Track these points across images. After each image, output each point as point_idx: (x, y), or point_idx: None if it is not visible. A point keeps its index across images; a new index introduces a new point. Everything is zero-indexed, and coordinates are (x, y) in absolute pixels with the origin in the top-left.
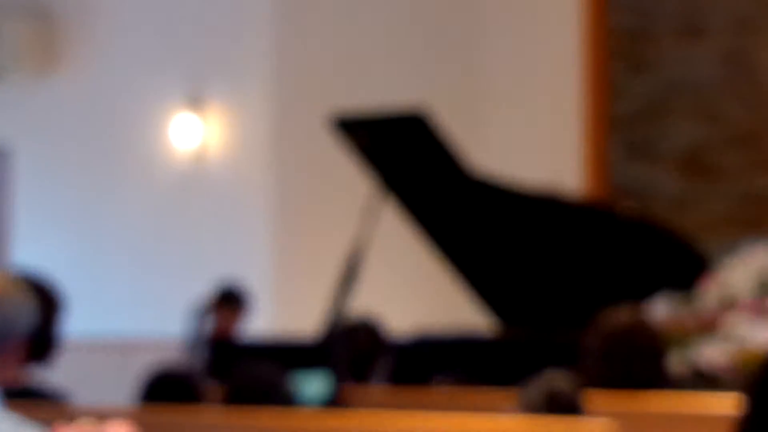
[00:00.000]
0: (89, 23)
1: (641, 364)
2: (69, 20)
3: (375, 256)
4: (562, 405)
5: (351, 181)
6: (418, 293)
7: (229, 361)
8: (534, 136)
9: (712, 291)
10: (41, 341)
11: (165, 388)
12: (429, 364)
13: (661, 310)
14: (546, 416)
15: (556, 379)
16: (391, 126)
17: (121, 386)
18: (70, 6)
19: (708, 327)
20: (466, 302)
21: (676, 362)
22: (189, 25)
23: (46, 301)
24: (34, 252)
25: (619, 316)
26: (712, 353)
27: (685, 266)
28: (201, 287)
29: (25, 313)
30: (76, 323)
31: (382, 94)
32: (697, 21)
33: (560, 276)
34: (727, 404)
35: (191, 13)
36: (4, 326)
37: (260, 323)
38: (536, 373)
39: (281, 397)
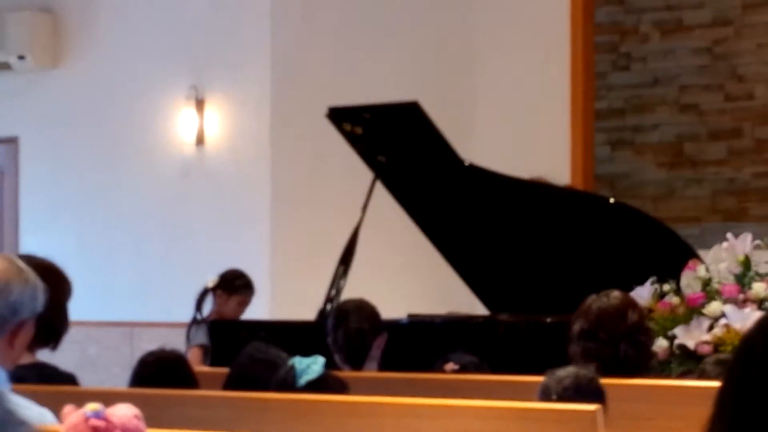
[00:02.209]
0: (94, 16)
1: (628, 346)
2: (74, 13)
3: (369, 243)
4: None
5: (347, 170)
6: (410, 282)
7: (226, 344)
8: (521, 129)
9: (696, 277)
10: (48, 326)
11: (157, 371)
12: (424, 347)
13: (646, 294)
14: (543, 404)
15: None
16: (386, 115)
17: (125, 372)
18: (76, 0)
19: (693, 311)
20: (458, 290)
21: (661, 345)
22: (191, 19)
23: (53, 285)
24: (41, 240)
25: (606, 299)
26: (696, 335)
27: (670, 253)
28: (203, 273)
29: (31, 296)
30: (82, 310)
31: (375, 88)
32: (681, 15)
33: (548, 262)
34: (710, 386)
35: (193, 7)
36: (9, 309)
37: (259, 307)
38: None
39: (278, 381)
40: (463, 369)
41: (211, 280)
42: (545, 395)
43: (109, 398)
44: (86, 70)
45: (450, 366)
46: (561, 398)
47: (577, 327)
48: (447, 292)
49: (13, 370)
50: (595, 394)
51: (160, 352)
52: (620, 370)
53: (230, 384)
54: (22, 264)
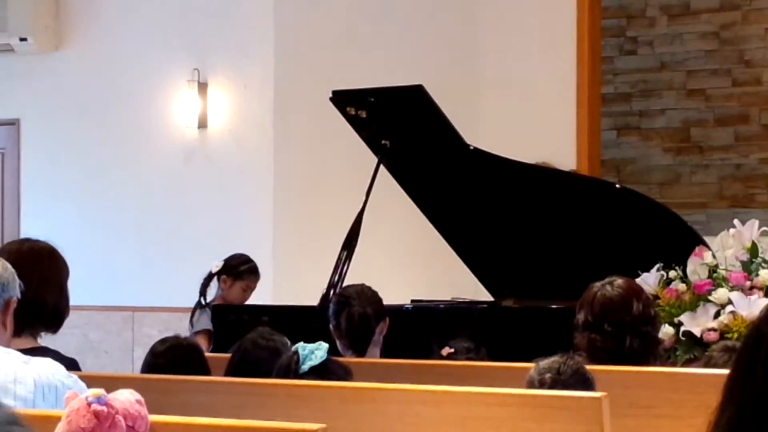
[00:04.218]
0: (96, 0)
1: (633, 337)
2: None
3: (372, 229)
4: (573, 383)
5: (351, 154)
6: (414, 267)
7: (230, 329)
8: (527, 114)
9: (703, 264)
10: (51, 309)
11: (173, 359)
12: (427, 333)
13: (652, 281)
14: (547, 390)
15: (569, 358)
16: (390, 98)
17: (127, 357)
18: None
19: (699, 298)
20: (461, 276)
21: (668, 332)
22: (194, 1)
23: (54, 268)
24: (42, 224)
25: (610, 288)
26: (703, 322)
27: (676, 240)
28: (205, 259)
29: (12, 274)
30: (83, 294)
31: (379, 72)
32: (687, 0)
33: (553, 248)
34: (716, 373)
35: None
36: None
37: (262, 293)
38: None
39: (281, 367)
40: (458, 353)
41: (215, 265)
42: (529, 387)
43: (111, 383)
44: (88, 53)
45: (446, 350)
46: (542, 385)
47: (581, 317)
48: (450, 277)
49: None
50: (582, 385)
51: (174, 339)
52: (627, 361)
53: (233, 370)
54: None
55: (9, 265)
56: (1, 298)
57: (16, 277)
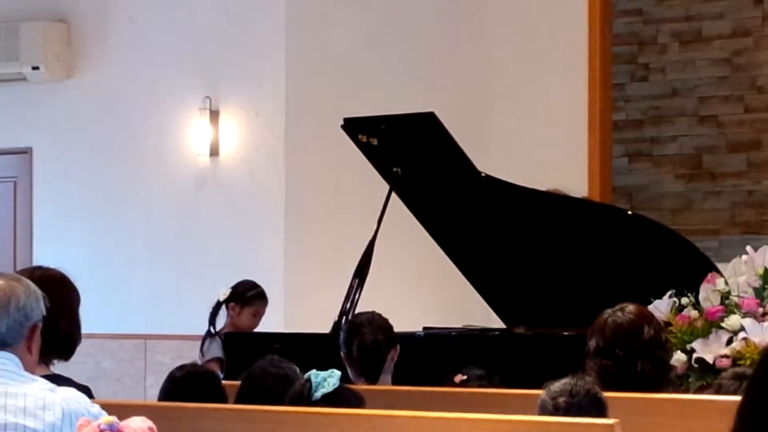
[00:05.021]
0: (108, 27)
1: (645, 362)
2: (88, 23)
3: (384, 256)
4: (586, 405)
5: (363, 182)
6: (425, 295)
7: (241, 356)
8: (538, 140)
9: (715, 290)
10: (63, 336)
11: (190, 386)
12: (439, 360)
13: (664, 308)
14: (558, 417)
15: (580, 379)
16: (401, 125)
17: (139, 385)
18: (89, 10)
19: (711, 324)
20: (473, 303)
21: (680, 358)
22: (205, 30)
23: (65, 296)
24: (54, 251)
25: (621, 314)
26: (715, 349)
27: (688, 266)
28: (216, 286)
29: (36, 299)
30: (95, 322)
31: (391, 99)
32: (700, 26)
33: (565, 275)
34: (727, 400)
35: (208, 18)
36: (22, 314)
37: (273, 320)
38: (548, 372)
39: (293, 395)
40: (470, 380)
41: (223, 293)
42: (542, 411)
43: (123, 411)
44: (100, 81)
45: (458, 377)
46: (556, 415)
47: (592, 343)
48: (462, 305)
49: None
50: (595, 407)
51: (192, 366)
52: (638, 387)
53: (243, 398)
54: (17, 275)
55: (33, 286)
56: (25, 326)
57: (40, 298)
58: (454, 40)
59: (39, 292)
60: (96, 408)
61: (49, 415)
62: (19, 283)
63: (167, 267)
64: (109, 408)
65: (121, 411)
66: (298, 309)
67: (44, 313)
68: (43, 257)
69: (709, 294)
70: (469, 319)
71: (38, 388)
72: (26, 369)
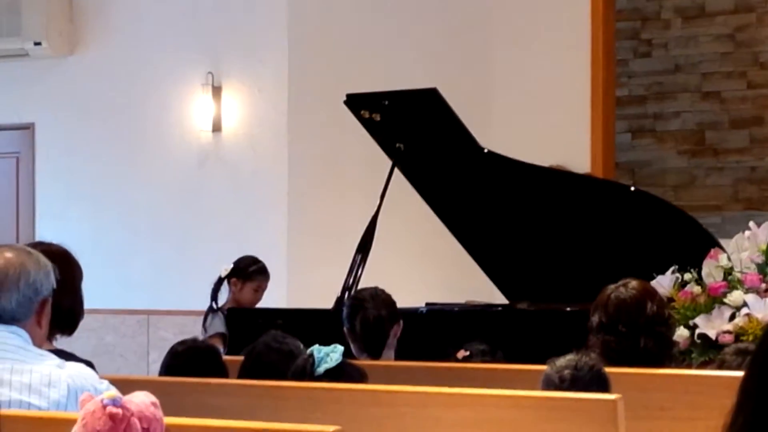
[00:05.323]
0: (110, 2)
1: (648, 338)
2: (90, 0)
3: (387, 232)
4: (589, 380)
5: (365, 157)
6: (428, 270)
7: (244, 332)
8: (541, 117)
9: (718, 266)
10: (66, 311)
11: (191, 361)
12: (442, 336)
13: (667, 283)
14: (561, 392)
15: (584, 355)
16: (404, 101)
17: (142, 360)
18: None
19: (714, 300)
20: (476, 279)
21: (682, 334)
22: (207, 4)
23: (68, 271)
24: (56, 227)
25: (624, 290)
26: (718, 325)
27: (691, 242)
28: (219, 262)
29: (45, 273)
30: (98, 298)
31: (393, 75)
32: (703, 2)
33: (568, 251)
34: (730, 375)
35: None
36: (32, 289)
37: (276, 295)
38: (551, 348)
39: (296, 370)
40: (473, 355)
41: (224, 269)
42: (547, 385)
43: (126, 386)
44: (102, 57)
45: (461, 353)
46: (561, 388)
47: (595, 319)
48: (465, 280)
49: None
50: (598, 382)
51: (192, 341)
52: (641, 363)
53: (246, 373)
54: (28, 248)
55: (43, 259)
56: (35, 300)
57: (51, 271)
58: (456, 15)
59: (50, 265)
60: (105, 384)
61: (54, 393)
62: (30, 257)
63: (170, 243)
64: (112, 383)
65: (125, 386)
66: (301, 284)
67: (54, 287)
68: (46, 233)
69: (711, 270)
70: (472, 294)
71: (46, 364)
72: (35, 343)
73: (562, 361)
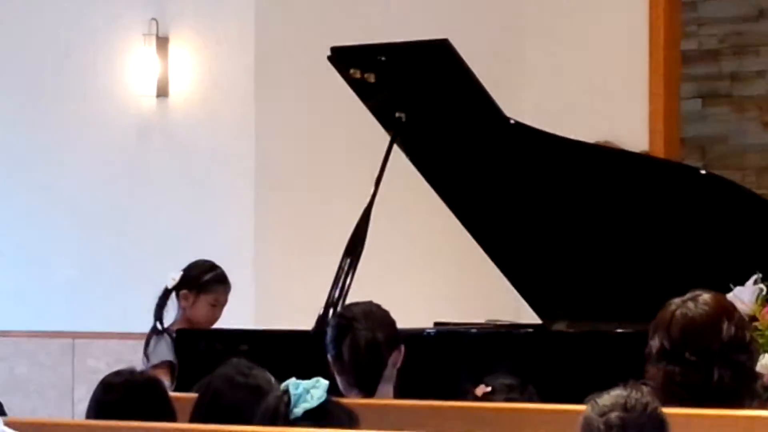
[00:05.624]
0: None
1: (724, 369)
2: None
3: (383, 230)
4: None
5: (355, 131)
6: (437, 281)
7: (197, 360)
8: (584, 79)
9: None
10: None
11: (128, 397)
12: (455, 366)
13: (748, 297)
14: None
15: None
16: (407, 57)
17: (65, 398)
18: None
19: None
20: (500, 292)
21: (767, 364)
22: None
23: None
24: None
25: (693, 305)
26: None
27: None
28: (165, 269)
29: None
30: (8, 317)
31: (390, 24)
32: None
33: (619, 254)
34: None
35: None
36: None
37: (240, 313)
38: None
39: (266, 411)
40: (496, 392)
41: (172, 278)
42: (588, 431)
43: (44, 431)
44: (18, 1)
45: (481, 389)
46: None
47: (656, 343)
48: (485, 294)
49: None
50: (654, 427)
51: (130, 372)
52: (714, 400)
53: (200, 415)
54: None
55: None
56: None
57: None
58: None
59: None
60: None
61: None
62: None
63: (101, 244)
64: (26, 428)
65: (42, 431)
66: (272, 298)
67: None
68: None
69: None
70: (495, 312)
71: None
72: None
73: (606, 400)
